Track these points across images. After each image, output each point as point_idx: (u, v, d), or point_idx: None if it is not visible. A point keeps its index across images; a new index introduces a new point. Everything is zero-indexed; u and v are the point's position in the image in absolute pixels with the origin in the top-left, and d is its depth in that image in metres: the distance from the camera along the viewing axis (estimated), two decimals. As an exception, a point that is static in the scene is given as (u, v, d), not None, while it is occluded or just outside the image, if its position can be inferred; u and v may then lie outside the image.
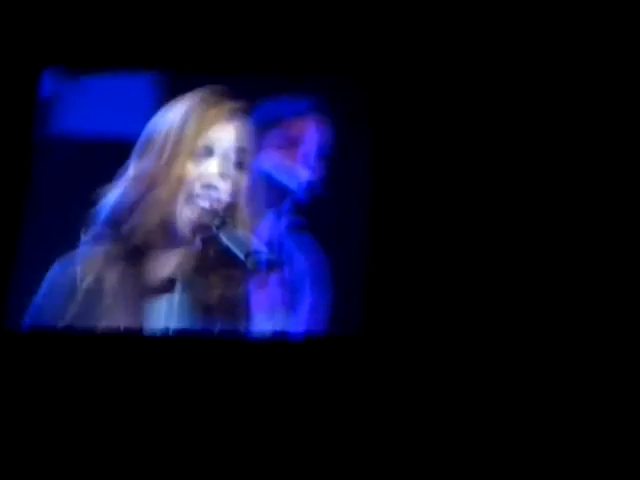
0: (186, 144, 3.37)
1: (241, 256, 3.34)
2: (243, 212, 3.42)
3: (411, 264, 3.53)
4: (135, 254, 3.39)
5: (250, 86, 3.58)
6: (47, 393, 3.44)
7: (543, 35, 3.68)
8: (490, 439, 3.36)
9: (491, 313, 3.48)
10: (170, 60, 3.70)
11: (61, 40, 3.72)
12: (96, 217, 3.42)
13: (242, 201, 3.41)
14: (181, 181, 3.36)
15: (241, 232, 3.38)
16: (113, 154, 3.49)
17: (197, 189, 3.36)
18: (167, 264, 3.41)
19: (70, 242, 3.43)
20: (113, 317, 3.38)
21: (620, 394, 3.39)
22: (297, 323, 3.44)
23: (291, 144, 3.55)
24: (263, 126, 3.51)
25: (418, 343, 3.45)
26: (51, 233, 3.53)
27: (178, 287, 3.41)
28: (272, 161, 3.52)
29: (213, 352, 3.46)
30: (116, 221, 3.39)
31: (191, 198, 3.36)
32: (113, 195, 3.41)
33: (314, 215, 3.51)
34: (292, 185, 3.51)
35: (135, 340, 3.43)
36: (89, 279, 3.36)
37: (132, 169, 3.42)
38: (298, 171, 3.53)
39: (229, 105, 3.44)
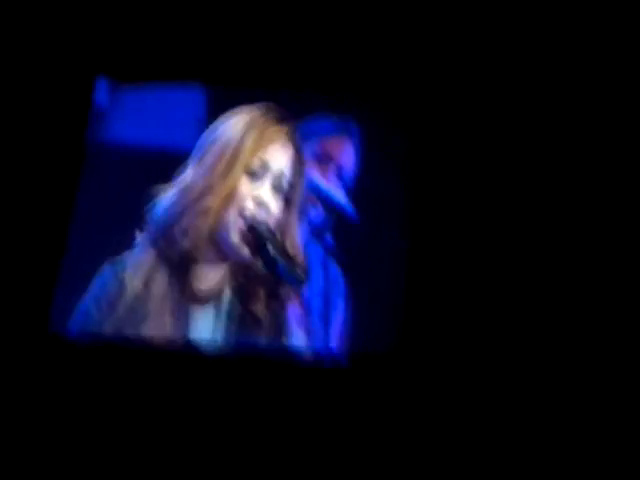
0: (243, 158, 3.42)
1: (287, 272, 3.37)
2: (291, 228, 3.47)
3: (445, 285, 3.59)
4: (184, 260, 3.42)
5: (296, 103, 3.65)
6: (91, 397, 3.46)
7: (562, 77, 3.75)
8: (519, 456, 3.40)
9: (523, 337, 3.53)
10: (219, 74, 3.75)
11: (116, 50, 3.78)
12: (148, 220, 3.45)
13: (291, 217, 3.47)
14: (234, 194, 3.40)
15: (288, 248, 3.42)
16: (161, 162, 3.54)
17: (249, 204, 3.41)
18: (215, 274, 3.45)
19: (120, 245, 3.45)
20: (159, 323, 3.40)
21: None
22: (331, 339, 3.49)
23: (325, 162, 3.60)
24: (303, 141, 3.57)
25: (449, 362, 3.50)
26: (99, 236, 3.57)
27: (225, 298, 3.45)
28: (317, 176, 3.58)
29: (255, 366, 3.50)
30: (167, 225, 3.42)
31: (242, 211, 3.40)
32: (166, 200, 3.44)
33: (352, 233, 3.58)
34: (340, 200, 3.56)
35: (180, 351, 3.45)
36: (138, 283, 3.39)
37: (186, 177, 3.46)
38: (336, 189, 3.59)
39: (286, 127, 3.50)
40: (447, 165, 3.69)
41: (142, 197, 3.46)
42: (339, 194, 3.58)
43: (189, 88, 3.71)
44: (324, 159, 3.62)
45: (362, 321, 3.52)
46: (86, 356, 3.49)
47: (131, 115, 3.71)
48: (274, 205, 3.44)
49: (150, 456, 3.39)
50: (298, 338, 3.45)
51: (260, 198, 3.42)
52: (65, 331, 3.47)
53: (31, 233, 3.64)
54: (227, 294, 3.45)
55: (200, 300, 3.45)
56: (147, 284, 3.41)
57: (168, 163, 3.51)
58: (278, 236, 3.42)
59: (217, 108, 3.57)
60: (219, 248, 3.42)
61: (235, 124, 3.47)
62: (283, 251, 3.39)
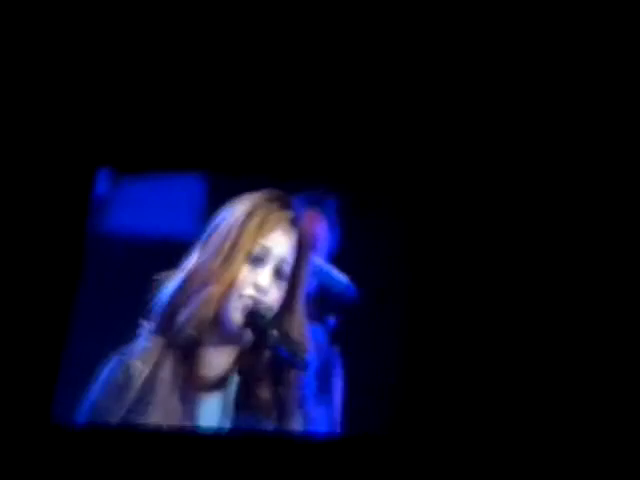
0: (244, 245, 3.45)
1: (291, 356, 3.38)
2: (293, 312, 3.48)
3: (442, 367, 3.63)
4: (189, 348, 3.42)
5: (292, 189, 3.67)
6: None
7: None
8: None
9: (515, 422, 3.57)
10: (215, 162, 3.78)
11: (116, 141, 3.82)
12: (152, 310, 3.45)
13: (293, 301, 3.48)
14: (235, 282, 3.42)
15: (293, 333, 3.43)
16: (163, 251, 3.57)
17: (250, 290, 3.43)
18: (219, 361, 3.45)
19: (125, 335, 3.44)
20: (167, 411, 3.38)
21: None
22: (330, 421, 3.49)
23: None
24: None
25: (444, 445, 3.54)
26: (103, 327, 3.56)
27: (231, 385, 3.44)
28: (321, 263, 3.61)
29: (261, 451, 3.51)
30: (171, 313, 3.43)
31: (243, 299, 3.42)
32: (170, 287, 3.45)
33: (352, 314, 3.59)
34: (342, 281, 3.57)
35: (188, 440, 3.45)
36: (145, 372, 3.38)
37: (189, 264, 3.48)
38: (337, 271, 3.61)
39: (289, 212, 3.54)
40: (445, 247, 3.76)
41: (145, 286, 3.47)
42: (341, 275, 3.58)
43: (189, 177, 3.74)
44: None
45: (359, 403, 3.52)
46: (94, 445, 3.47)
47: (132, 205, 3.74)
48: (275, 289, 3.46)
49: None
50: (300, 422, 3.44)
51: (261, 284, 3.44)
52: (68, 422, 3.43)
53: (33, 325, 3.63)
54: (233, 381, 3.44)
55: (206, 387, 3.43)
56: (154, 372, 3.39)
57: (170, 252, 3.53)
58: (280, 320, 3.42)
59: (218, 196, 3.61)
60: (223, 335, 3.43)
61: (237, 211, 3.51)
62: (286, 335, 3.40)
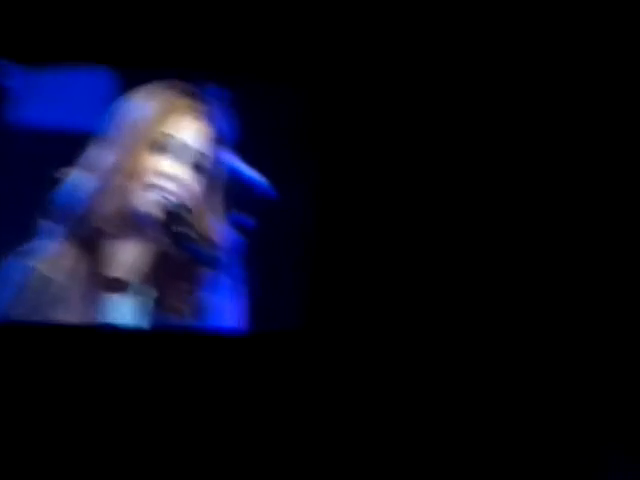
0: (145, 133, 3.31)
1: (199, 253, 3.29)
2: (204, 208, 3.36)
3: (352, 265, 3.58)
4: (95, 245, 3.31)
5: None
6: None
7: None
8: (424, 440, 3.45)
9: (429, 313, 3.56)
10: (121, 55, 3.61)
11: (15, 33, 3.61)
12: (54, 206, 3.33)
13: (204, 197, 3.37)
14: (140, 171, 3.29)
15: (199, 229, 3.31)
16: (69, 145, 3.40)
17: (156, 180, 3.30)
18: (124, 259, 3.34)
19: (25, 233, 3.32)
20: (72, 310, 3.30)
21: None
22: (242, 319, 3.42)
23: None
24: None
25: (357, 339, 3.52)
26: (4, 224, 3.41)
27: (135, 282, 3.35)
28: (236, 159, 3.47)
29: (165, 346, 3.46)
30: (76, 209, 3.31)
31: (149, 188, 3.30)
32: (72, 184, 3.32)
33: (266, 211, 3.48)
34: (256, 180, 3.47)
35: (89, 334, 3.37)
36: (44, 272, 3.27)
37: (91, 159, 3.34)
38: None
39: (195, 104, 3.39)
40: (356, 140, 3.63)
41: (48, 183, 3.34)
42: (252, 171, 3.48)
43: (96, 70, 3.56)
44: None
45: (271, 299, 3.47)
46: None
47: (38, 98, 3.55)
48: (183, 180, 3.33)
49: (69, 438, 3.36)
50: (212, 319, 3.36)
51: (167, 172, 3.31)
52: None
53: None
54: (137, 279, 3.35)
55: (109, 286, 3.34)
56: (58, 271, 3.28)
57: (75, 146, 3.38)
58: (190, 216, 3.31)
59: (125, 89, 3.44)
60: (128, 232, 3.32)
61: (140, 101, 3.37)
62: (196, 231, 3.29)
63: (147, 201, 3.30)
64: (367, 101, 3.63)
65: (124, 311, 3.35)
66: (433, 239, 3.61)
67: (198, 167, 3.36)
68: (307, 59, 3.61)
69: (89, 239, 3.30)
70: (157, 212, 3.29)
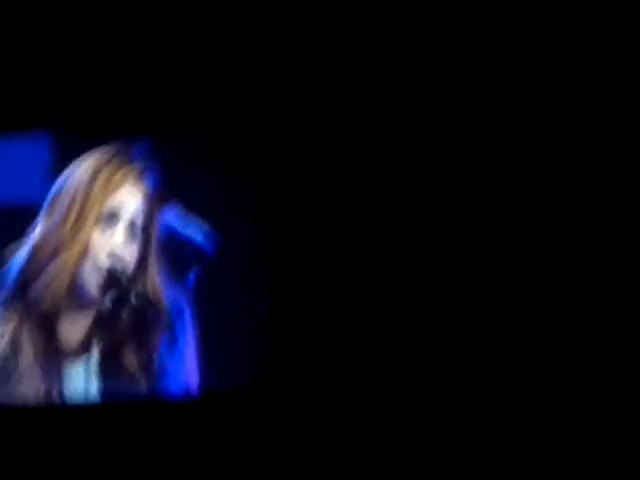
0: (92, 209, 3.37)
1: (149, 316, 3.36)
2: (149, 271, 3.42)
3: (308, 314, 3.58)
4: (47, 319, 3.38)
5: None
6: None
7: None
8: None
9: (388, 364, 3.56)
10: (57, 120, 3.65)
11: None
12: (4, 281, 3.39)
13: (148, 260, 3.42)
14: (87, 247, 3.36)
15: (150, 293, 3.39)
16: (13, 219, 3.44)
17: (103, 257, 3.36)
18: (80, 329, 3.40)
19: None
20: (31, 383, 3.37)
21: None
22: (196, 378, 3.46)
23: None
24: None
25: (314, 391, 3.54)
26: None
27: (93, 350, 3.41)
28: (176, 215, 3.51)
29: (122, 416, 3.50)
30: (24, 284, 3.37)
31: (97, 264, 3.36)
32: (20, 258, 3.38)
33: (213, 269, 3.50)
34: (197, 238, 3.50)
35: (54, 409, 3.43)
36: (3, 347, 3.36)
37: (37, 233, 3.40)
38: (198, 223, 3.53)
39: (132, 168, 3.44)
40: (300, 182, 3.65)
41: (-3, 256, 3.40)
42: (197, 228, 3.52)
43: (34, 138, 3.57)
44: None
45: (226, 357, 3.49)
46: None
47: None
48: (128, 251, 3.39)
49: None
50: (167, 380, 3.42)
51: (113, 245, 3.37)
52: None
53: None
54: (95, 349, 3.41)
55: (69, 356, 3.40)
56: (13, 347, 3.36)
57: (19, 220, 3.42)
58: (138, 283, 3.38)
59: (65, 155, 3.48)
60: (79, 304, 3.38)
61: (82, 173, 3.41)
62: (144, 295, 3.36)
63: (95, 274, 3.36)
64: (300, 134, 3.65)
65: (82, 378, 3.41)
66: (390, 282, 3.61)
67: (142, 232, 3.41)
68: (227, 102, 3.64)
69: (41, 314, 3.37)
70: (105, 283, 3.36)
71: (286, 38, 3.65)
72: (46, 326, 3.37)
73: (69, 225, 3.36)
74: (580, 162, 3.60)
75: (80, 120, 3.61)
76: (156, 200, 3.46)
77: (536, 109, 3.61)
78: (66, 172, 3.43)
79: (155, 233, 3.43)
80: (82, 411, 3.45)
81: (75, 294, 3.36)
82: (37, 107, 3.62)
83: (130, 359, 3.40)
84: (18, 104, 3.62)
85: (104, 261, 3.36)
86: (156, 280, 3.41)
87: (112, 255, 3.36)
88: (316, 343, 3.57)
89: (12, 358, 3.36)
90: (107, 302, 3.37)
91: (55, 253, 3.35)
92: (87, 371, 3.40)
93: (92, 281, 3.35)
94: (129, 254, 3.39)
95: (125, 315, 3.38)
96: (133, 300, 3.35)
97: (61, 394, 3.40)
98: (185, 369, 3.44)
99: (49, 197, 3.41)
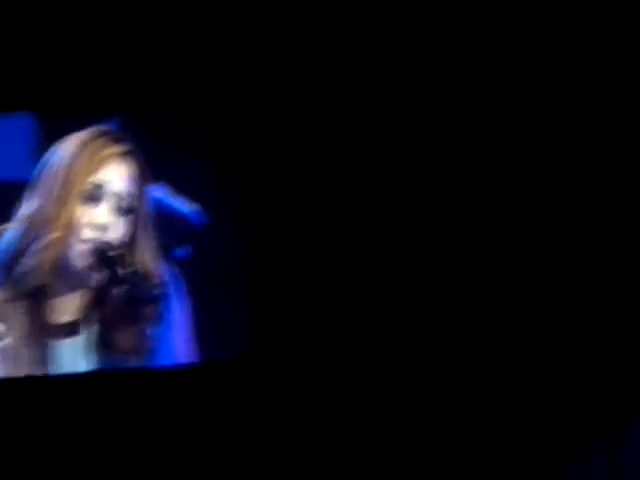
0: (76, 185, 3.34)
1: (144, 291, 3.31)
2: (139, 247, 3.40)
3: (294, 286, 3.60)
4: (34, 298, 3.34)
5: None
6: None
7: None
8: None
9: (378, 334, 3.57)
10: (41, 100, 3.63)
11: None
12: (-8, 262, 3.35)
13: (137, 236, 3.40)
14: (72, 224, 3.33)
15: (137, 267, 3.35)
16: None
17: (89, 230, 3.34)
18: (68, 307, 3.38)
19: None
20: (18, 362, 3.33)
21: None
22: (190, 351, 3.45)
23: None
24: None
25: (303, 364, 3.56)
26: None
27: (86, 329, 3.38)
28: (163, 191, 3.50)
29: (117, 388, 3.50)
30: (10, 265, 3.33)
31: (84, 239, 3.33)
32: (5, 239, 3.35)
33: (202, 242, 3.51)
34: (186, 212, 3.48)
35: (42, 384, 3.40)
36: None
37: (23, 211, 3.37)
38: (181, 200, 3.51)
39: (117, 147, 3.42)
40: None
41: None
42: (184, 204, 3.50)
43: (17, 118, 3.56)
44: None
45: (217, 329, 3.48)
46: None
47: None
48: (115, 226, 3.36)
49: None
50: (161, 355, 3.39)
51: (99, 222, 3.34)
52: None
53: None
54: (85, 328, 3.38)
55: (59, 334, 3.37)
56: (2, 324, 3.31)
57: (6, 199, 3.40)
58: (127, 256, 3.34)
59: (50, 135, 3.46)
60: (69, 281, 3.36)
61: (66, 150, 3.38)
62: (135, 271, 3.33)
63: (83, 250, 3.33)
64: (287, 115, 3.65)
65: (74, 356, 3.38)
66: (379, 257, 3.62)
67: (129, 209, 3.39)
68: (213, 80, 3.65)
69: (31, 292, 3.33)
70: (93, 259, 3.33)
71: (274, 17, 3.65)
72: (35, 303, 3.34)
73: (54, 203, 3.33)
74: (580, 162, 3.63)
75: (64, 100, 3.60)
76: (142, 177, 3.44)
77: (536, 109, 3.65)
78: (51, 150, 3.41)
79: (143, 208, 3.42)
80: (73, 383, 3.42)
81: (63, 271, 3.33)
82: (20, 88, 3.60)
83: (122, 335, 3.37)
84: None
85: (91, 236, 3.33)
86: (146, 254, 3.39)
87: (99, 231, 3.34)
88: (304, 320, 3.57)
89: (3, 333, 3.30)
90: (96, 278, 3.34)
91: (41, 230, 3.32)
92: (78, 348, 3.37)
93: (79, 257, 3.33)
94: (116, 229, 3.36)
95: (115, 290, 3.34)
96: (123, 275, 3.30)
97: (50, 371, 3.36)
98: (178, 342, 3.40)
99: (34, 176, 3.39)
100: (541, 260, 3.62)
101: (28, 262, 3.31)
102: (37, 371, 3.35)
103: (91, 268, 3.33)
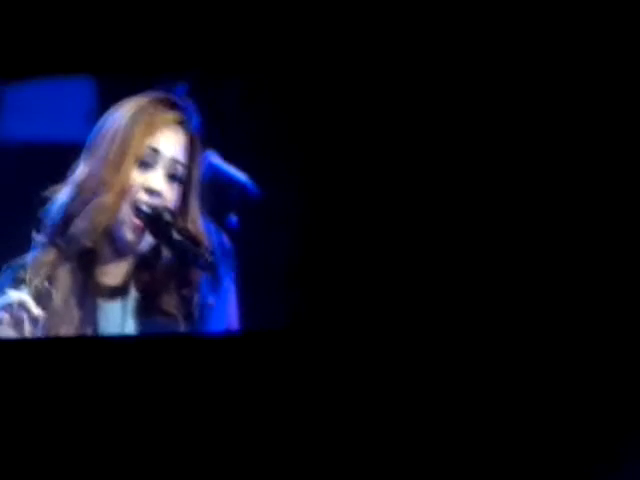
0: (131, 148, 3.35)
1: (194, 256, 3.32)
2: (191, 213, 3.41)
3: (341, 262, 3.61)
4: (84, 259, 3.37)
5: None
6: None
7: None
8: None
9: (419, 310, 3.59)
10: (102, 64, 3.66)
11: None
12: (44, 221, 3.37)
13: (190, 203, 3.41)
14: (125, 188, 3.34)
15: (185, 232, 3.35)
16: (55, 160, 3.45)
17: (142, 195, 3.35)
18: (118, 270, 3.40)
19: (17, 248, 3.37)
20: (66, 320, 3.34)
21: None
22: (237, 320, 3.46)
23: None
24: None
25: (344, 342, 3.56)
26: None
27: (131, 294, 3.41)
28: (218, 158, 3.52)
29: (160, 351, 3.53)
30: (63, 225, 3.36)
31: (136, 206, 3.34)
32: (60, 199, 3.37)
33: (255, 212, 3.53)
34: (240, 179, 3.50)
35: (90, 343, 3.43)
36: (40, 282, 3.33)
37: (78, 173, 3.39)
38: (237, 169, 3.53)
39: (177, 113, 3.42)
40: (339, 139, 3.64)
41: (37, 198, 3.38)
42: (240, 173, 3.51)
43: (78, 80, 3.60)
44: None
45: (261, 300, 3.49)
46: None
47: (20, 114, 3.60)
48: (169, 192, 3.37)
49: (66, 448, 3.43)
50: (205, 321, 3.41)
51: (152, 187, 3.35)
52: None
53: None
54: (133, 291, 3.40)
55: (106, 295, 3.39)
56: (50, 282, 3.34)
57: (62, 160, 3.42)
58: (179, 221, 3.35)
59: (108, 99, 3.47)
60: (118, 244, 3.37)
61: (123, 114, 3.39)
62: (187, 235, 3.33)
63: (134, 218, 3.34)
64: (352, 93, 3.64)
65: (121, 318, 3.40)
66: (423, 236, 3.62)
67: (183, 176, 3.40)
68: (284, 50, 3.65)
69: (81, 254, 3.36)
70: (144, 221, 3.34)
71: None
72: (83, 266, 3.36)
73: (109, 165, 3.35)
74: (580, 162, 3.62)
75: (123, 64, 3.63)
76: (198, 143, 3.44)
77: (536, 109, 3.64)
78: (107, 113, 3.42)
79: (197, 173, 3.42)
80: (116, 344, 3.45)
81: (114, 234, 3.35)
82: (80, 51, 3.63)
83: (169, 299, 3.39)
84: (61, 47, 3.63)
85: (144, 199, 3.34)
86: (197, 219, 3.40)
87: (152, 196, 3.35)
88: (348, 294, 3.58)
89: (47, 296, 3.33)
90: (147, 241, 3.35)
91: (95, 193, 3.34)
92: (124, 310, 3.39)
93: (128, 223, 3.34)
94: (169, 192, 3.37)
95: (165, 255, 3.35)
96: (174, 238, 3.31)
97: (95, 331, 3.38)
98: (224, 310, 3.41)
99: (90, 138, 3.40)
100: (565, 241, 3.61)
101: (80, 224, 3.34)
102: (83, 331, 3.37)
103: (142, 232, 3.34)
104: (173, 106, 3.42)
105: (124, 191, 3.34)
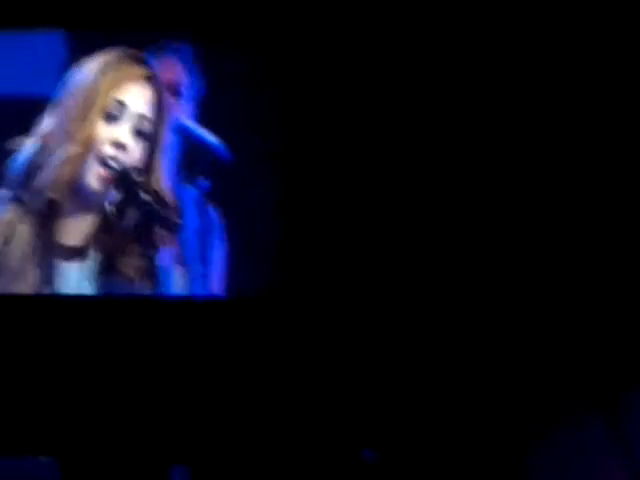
0: (98, 100, 3.28)
1: (159, 215, 3.25)
2: (157, 172, 3.34)
3: (319, 227, 3.54)
4: (47, 214, 3.29)
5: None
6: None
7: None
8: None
9: (399, 277, 3.53)
10: (71, 18, 3.57)
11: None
12: (7, 174, 3.30)
13: (156, 162, 3.34)
14: (91, 140, 3.27)
15: (152, 191, 3.28)
16: (22, 112, 3.37)
17: (107, 148, 3.27)
18: (78, 229, 3.32)
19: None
20: (23, 279, 3.29)
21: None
22: (210, 281, 3.40)
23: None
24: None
25: (326, 304, 3.50)
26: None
27: (95, 250, 3.33)
28: (184, 116, 3.44)
29: (126, 313, 3.43)
30: (27, 178, 3.29)
31: (101, 158, 3.27)
32: (26, 152, 3.30)
33: (225, 173, 3.43)
34: (210, 141, 3.45)
35: (47, 302, 3.36)
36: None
37: (44, 126, 3.32)
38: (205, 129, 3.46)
39: (144, 68, 3.37)
40: (320, 103, 3.57)
41: (1, 152, 3.31)
42: (209, 134, 3.46)
43: (47, 34, 3.53)
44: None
45: (240, 262, 3.42)
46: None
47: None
48: (135, 147, 3.30)
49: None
50: (175, 283, 3.34)
51: (118, 140, 3.28)
52: None
53: None
54: (93, 252, 3.33)
55: (68, 254, 3.32)
56: (9, 240, 3.28)
57: (31, 114, 3.35)
58: (144, 178, 3.28)
59: (77, 53, 3.41)
60: (81, 199, 3.29)
61: (90, 68, 3.33)
62: (152, 193, 3.26)
63: (100, 168, 3.27)
64: (334, 62, 3.58)
65: (80, 279, 3.33)
66: (398, 205, 3.56)
67: (149, 133, 3.33)
68: (271, 18, 3.57)
69: (44, 208, 3.29)
70: (110, 178, 3.27)
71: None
72: (46, 223, 3.29)
73: (74, 116, 3.28)
74: (580, 162, 3.57)
75: (94, 19, 3.55)
76: (166, 101, 3.37)
77: (536, 109, 3.58)
78: (76, 67, 3.36)
79: (164, 130, 3.35)
80: (77, 303, 3.37)
81: (78, 188, 3.27)
82: (51, 5, 3.56)
83: (131, 262, 3.32)
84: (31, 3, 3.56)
85: (109, 153, 3.26)
86: (163, 178, 3.33)
87: (118, 150, 3.27)
88: (326, 259, 3.52)
89: (5, 254, 3.27)
90: (111, 198, 3.28)
91: (60, 145, 3.27)
92: (84, 271, 3.32)
93: (94, 175, 3.26)
94: (136, 148, 3.30)
95: (129, 215, 3.28)
96: (141, 198, 3.24)
97: (53, 291, 3.32)
98: (194, 271, 3.36)
99: (58, 91, 3.34)
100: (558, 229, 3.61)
101: (44, 176, 3.27)
102: (40, 290, 3.31)
103: (105, 187, 3.27)
104: (141, 61, 3.36)
105: (90, 142, 3.26)
